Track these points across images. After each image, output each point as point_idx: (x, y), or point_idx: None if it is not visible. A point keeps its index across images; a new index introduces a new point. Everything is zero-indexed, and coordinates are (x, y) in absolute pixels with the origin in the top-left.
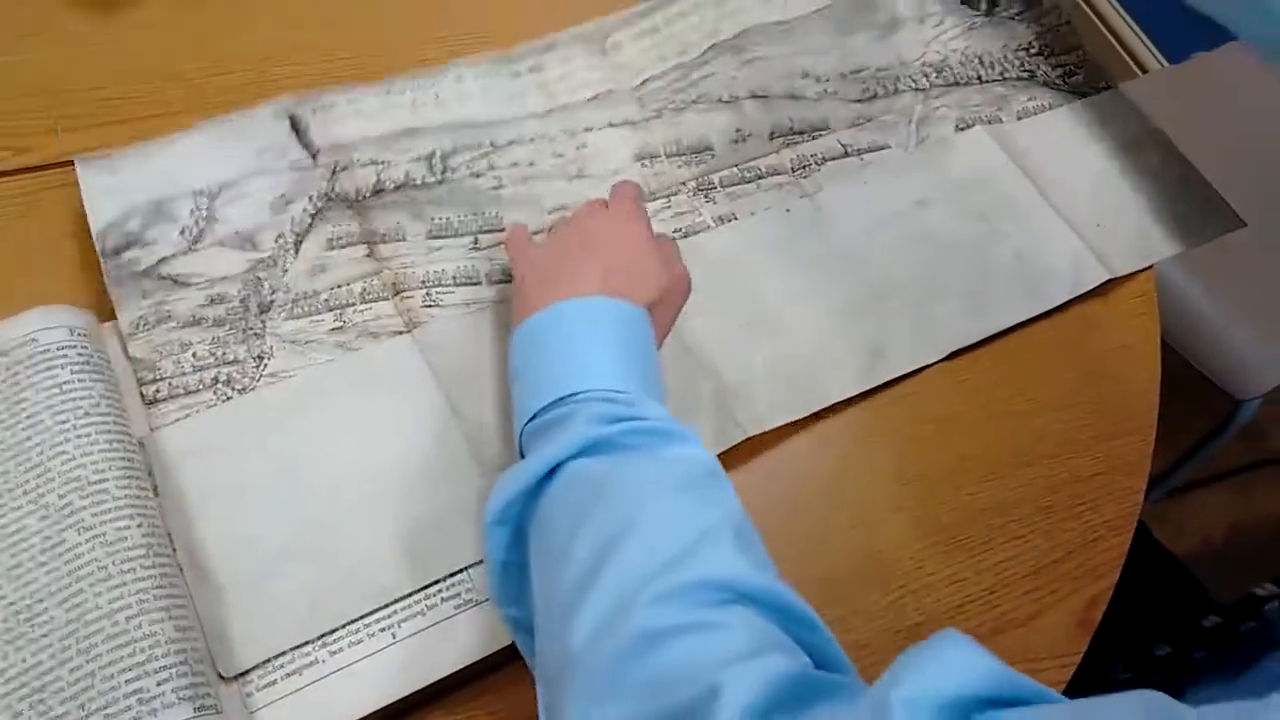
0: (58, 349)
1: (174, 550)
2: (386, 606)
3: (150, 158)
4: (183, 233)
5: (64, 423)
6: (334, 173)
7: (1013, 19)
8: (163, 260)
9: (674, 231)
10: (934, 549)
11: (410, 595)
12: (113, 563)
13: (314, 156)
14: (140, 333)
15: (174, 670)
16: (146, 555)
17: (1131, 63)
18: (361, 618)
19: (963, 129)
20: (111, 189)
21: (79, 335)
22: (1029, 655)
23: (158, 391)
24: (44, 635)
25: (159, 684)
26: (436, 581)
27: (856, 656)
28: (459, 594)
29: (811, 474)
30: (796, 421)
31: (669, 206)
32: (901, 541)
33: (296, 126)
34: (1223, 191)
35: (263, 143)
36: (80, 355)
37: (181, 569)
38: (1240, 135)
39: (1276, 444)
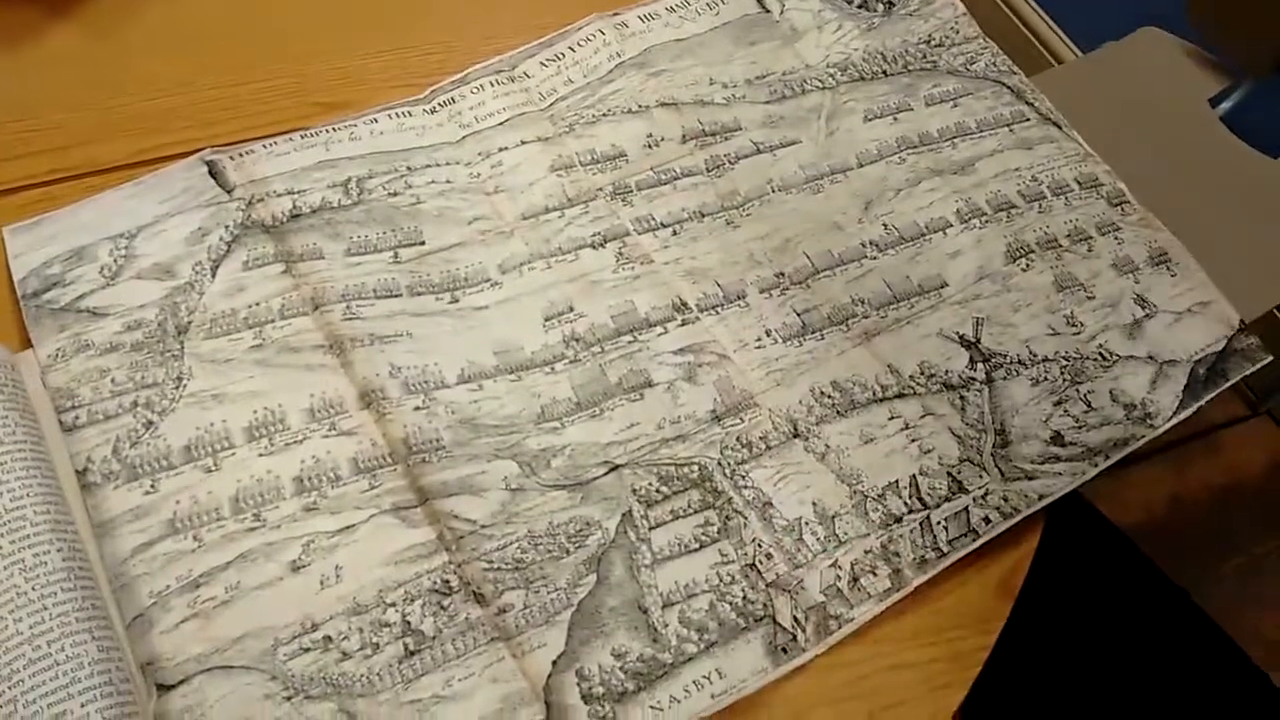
0: None
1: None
2: None
3: (70, 216)
4: (101, 271)
5: None
6: (250, 203)
7: (910, 15)
8: (81, 296)
9: (592, 236)
10: None
11: None
12: (32, 588)
13: (229, 192)
14: (58, 364)
15: (98, 691)
16: (67, 579)
17: (1045, 53)
18: None
19: (871, 119)
20: (33, 245)
21: None
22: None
23: (76, 419)
24: None
25: (83, 705)
26: None
27: None
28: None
29: None
30: None
31: (586, 212)
32: None
33: (213, 171)
34: (1127, 181)
35: (178, 188)
36: None
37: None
38: (1148, 124)
39: (1209, 415)
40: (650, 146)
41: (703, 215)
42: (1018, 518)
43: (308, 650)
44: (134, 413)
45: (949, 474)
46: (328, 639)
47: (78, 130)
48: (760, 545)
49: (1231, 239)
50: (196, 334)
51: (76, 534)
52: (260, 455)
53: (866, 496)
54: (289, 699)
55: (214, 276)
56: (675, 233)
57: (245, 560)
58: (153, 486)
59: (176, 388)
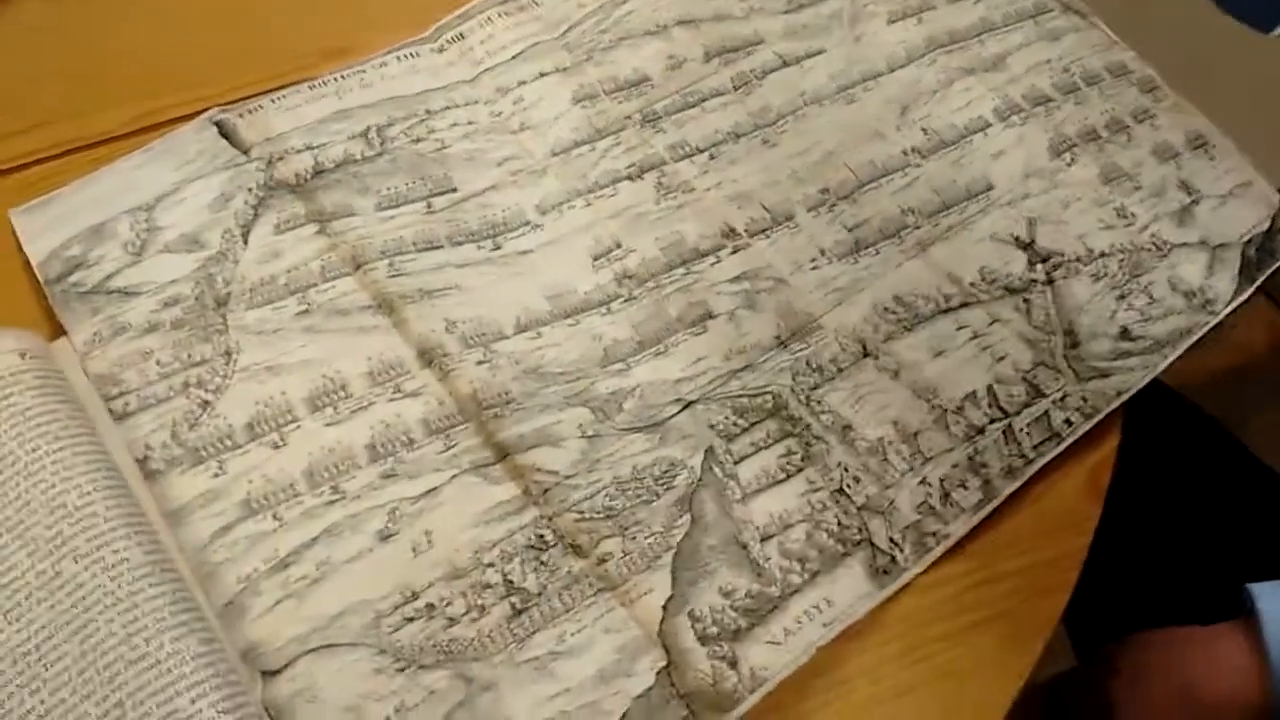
0: (10, 375)
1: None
2: None
3: (79, 192)
4: (125, 247)
5: (35, 450)
6: (270, 163)
7: None
8: (109, 276)
9: (628, 167)
10: None
11: None
12: (118, 586)
13: (246, 153)
14: (96, 349)
15: (207, 684)
16: (153, 572)
17: None
18: None
19: (894, 21)
20: (47, 226)
21: (30, 359)
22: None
23: (126, 405)
24: (60, 673)
25: (193, 701)
26: None
27: None
28: None
29: None
30: None
31: (618, 143)
32: None
33: (224, 131)
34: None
35: (191, 152)
36: (37, 378)
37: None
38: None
39: None
40: (673, 68)
41: (737, 136)
42: (1098, 416)
43: (412, 620)
44: (186, 394)
45: (1025, 379)
46: (430, 606)
47: (69, 101)
48: (846, 469)
49: (1262, 117)
50: (238, 305)
51: (150, 525)
52: (327, 425)
53: (945, 410)
54: (402, 670)
55: (246, 243)
56: (712, 156)
57: (331, 535)
58: (220, 468)
59: (227, 363)
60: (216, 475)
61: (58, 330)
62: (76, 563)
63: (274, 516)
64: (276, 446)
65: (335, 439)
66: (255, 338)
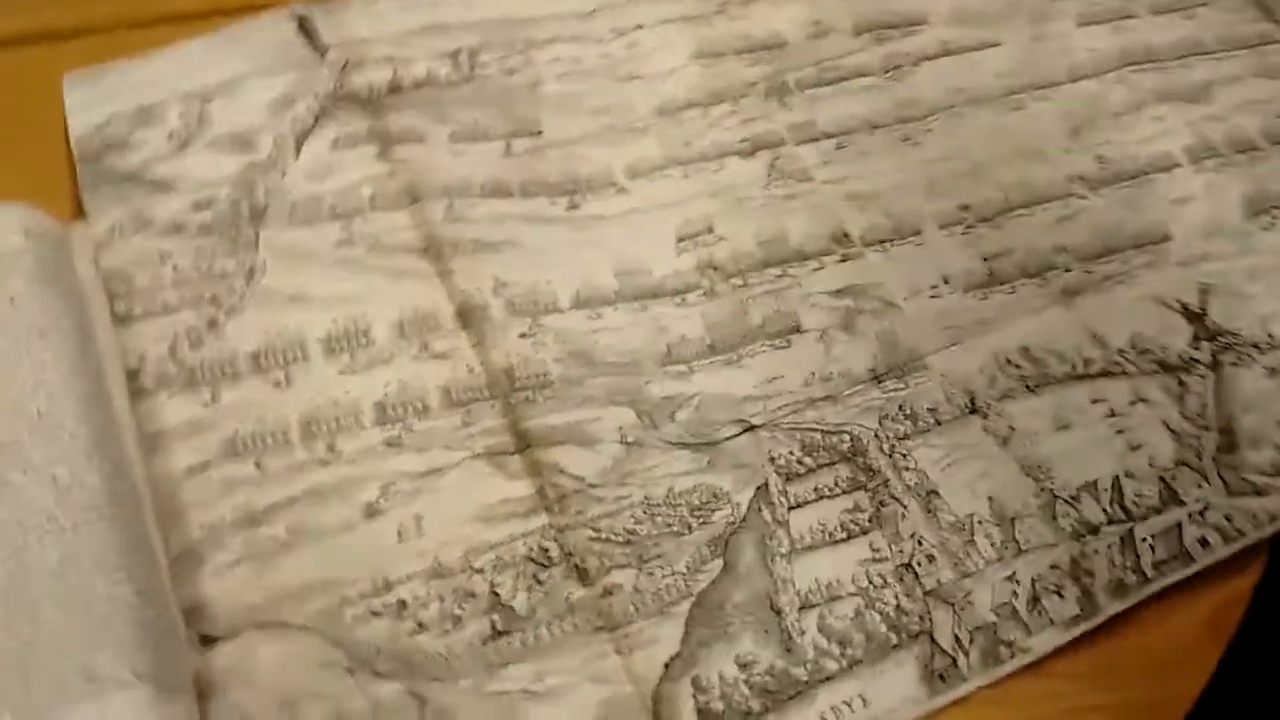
0: (11, 255)
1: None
2: None
3: (137, 68)
4: (170, 136)
5: (15, 341)
6: (343, 69)
7: None
8: (146, 163)
9: (740, 141)
10: None
11: None
12: (63, 513)
13: (322, 55)
14: (115, 241)
15: (137, 642)
16: (106, 504)
17: None
18: None
19: (1086, 24)
20: (95, 99)
21: (35, 239)
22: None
23: (131, 309)
24: None
25: (115, 657)
26: None
27: None
28: None
29: None
30: None
31: (735, 112)
32: None
33: (304, 27)
34: None
35: (264, 44)
36: (36, 263)
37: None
38: None
39: None
40: (815, 37)
41: (874, 127)
42: (1241, 542)
43: (378, 615)
44: (197, 308)
45: (1161, 479)
46: (402, 604)
47: None
48: (921, 543)
49: None
50: (275, 221)
51: (120, 449)
52: (340, 373)
53: (1057, 497)
54: (351, 672)
55: (298, 154)
56: (840, 146)
57: (313, 497)
58: (213, 398)
59: (248, 283)
60: (207, 405)
61: (80, 214)
62: (25, 475)
63: (257, 464)
64: (278, 385)
65: (344, 390)
66: (285, 260)
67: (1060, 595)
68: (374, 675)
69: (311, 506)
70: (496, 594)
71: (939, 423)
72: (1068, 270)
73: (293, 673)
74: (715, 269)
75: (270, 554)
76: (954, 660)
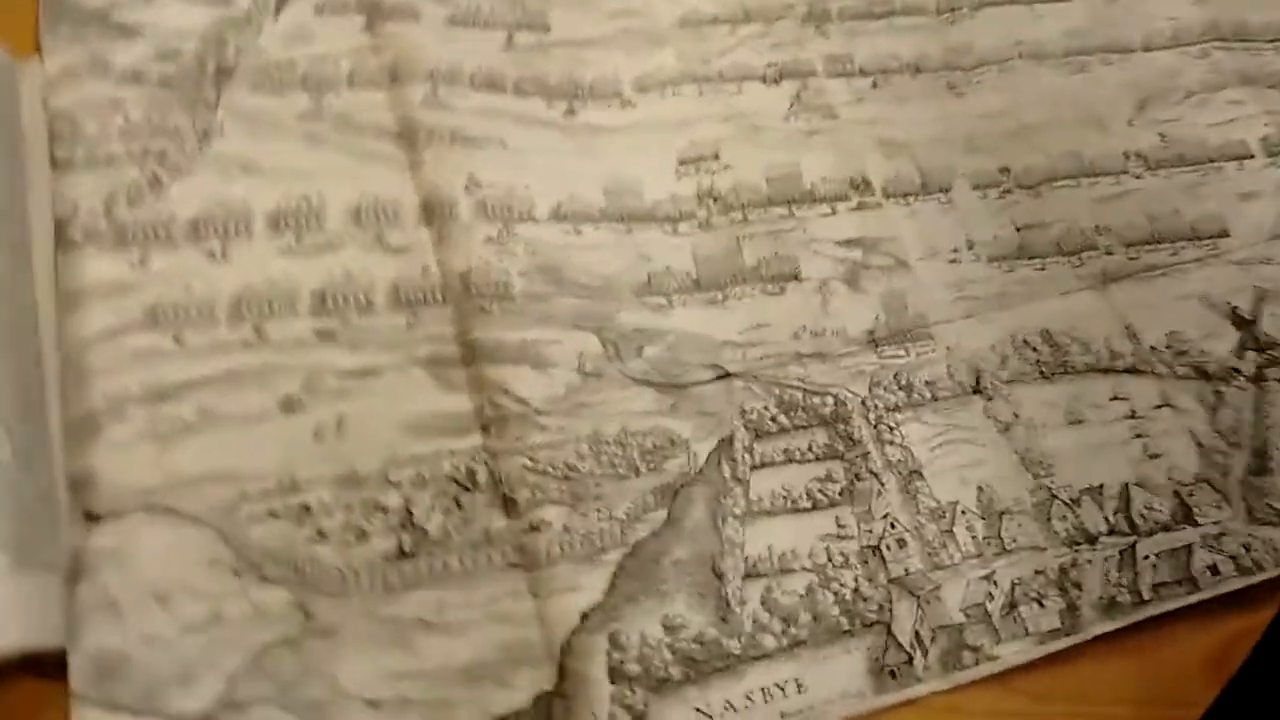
0: None
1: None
2: None
3: None
4: None
5: None
6: None
7: None
8: (113, 5)
9: (766, 66)
10: None
11: None
12: None
13: None
14: (66, 82)
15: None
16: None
17: None
18: None
19: None
20: None
21: None
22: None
23: (72, 156)
24: None
25: None
26: None
27: None
28: None
29: None
30: None
31: (766, 35)
32: None
33: None
34: None
35: None
36: None
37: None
38: None
39: None
40: None
41: (918, 70)
42: (1257, 576)
43: (277, 516)
44: (142, 164)
45: (1177, 494)
46: (305, 509)
47: None
48: (894, 525)
49: None
50: (241, 82)
51: (32, 300)
52: (281, 254)
53: (1055, 497)
54: (237, 574)
55: (278, 15)
56: (876, 85)
57: (230, 381)
58: (142, 261)
59: (200, 144)
60: (134, 267)
61: (36, 49)
62: None
63: (176, 338)
64: (213, 257)
65: (283, 272)
66: (245, 125)
67: (1041, 604)
68: (261, 580)
69: (226, 390)
70: (410, 512)
71: (936, 398)
72: (1108, 253)
73: (174, 564)
74: (715, 199)
75: (173, 435)
76: (909, 658)
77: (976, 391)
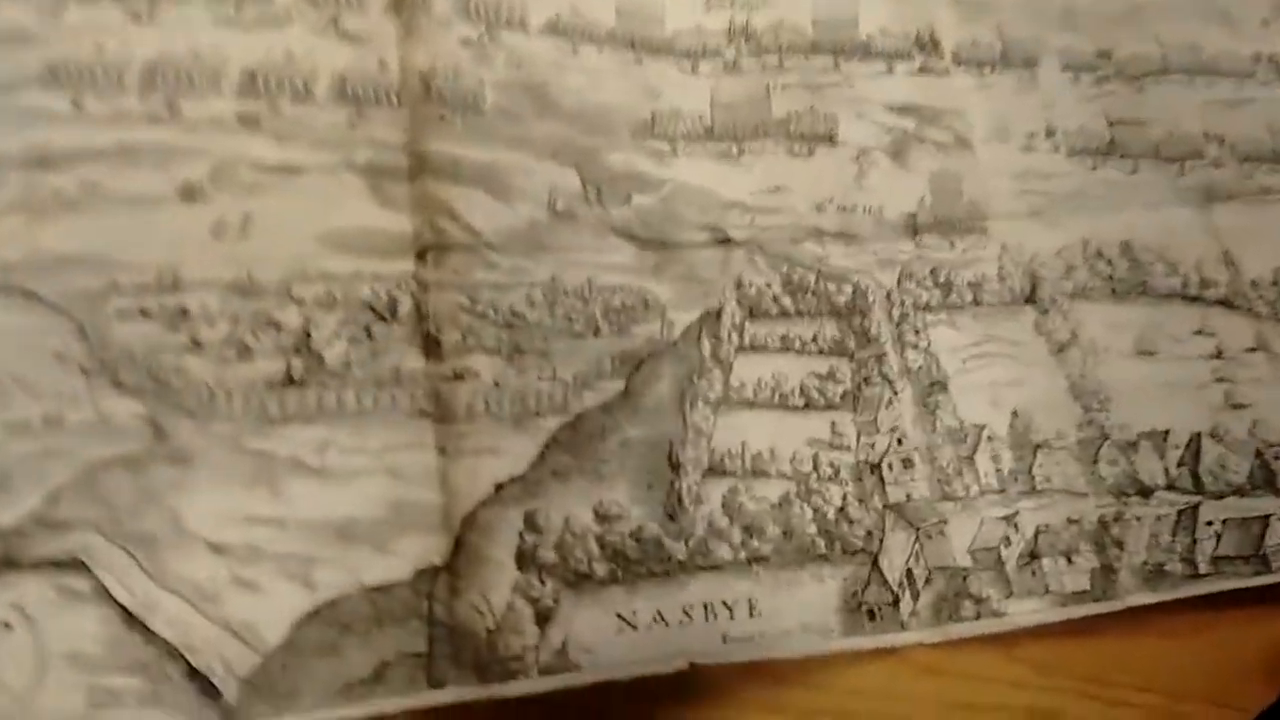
0: None
1: None
2: None
3: None
4: None
5: None
6: None
7: None
8: None
9: None
10: None
11: None
12: None
13: None
14: None
15: None
16: None
17: None
18: None
19: None
20: None
21: None
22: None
23: None
24: None
25: None
26: None
27: None
28: None
29: None
30: None
31: None
32: None
33: None
34: None
35: None
36: None
37: None
38: None
39: None
40: None
41: None
42: None
43: (148, 316)
44: None
45: (1259, 455)
46: (184, 312)
47: None
48: (901, 442)
49: None
50: None
51: None
52: (215, 22)
53: (1107, 436)
54: (87, 374)
55: None
56: None
57: (125, 158)
58: (54, 11)
59: None
60: (43, 14)
61: None
62: None
63: (75, 102)
64: (136, 17)
65: (213, 44)
66: None
67: (1070, 560)
68: (113, 385)
69: (120, 167)
70: (308, 335)
71: (979, 302)
72: (1217, 166)
73: (13, 353)
74: (748, 39)
75: (49, 208)
76: (895, 598)
77: (1030, 301)
